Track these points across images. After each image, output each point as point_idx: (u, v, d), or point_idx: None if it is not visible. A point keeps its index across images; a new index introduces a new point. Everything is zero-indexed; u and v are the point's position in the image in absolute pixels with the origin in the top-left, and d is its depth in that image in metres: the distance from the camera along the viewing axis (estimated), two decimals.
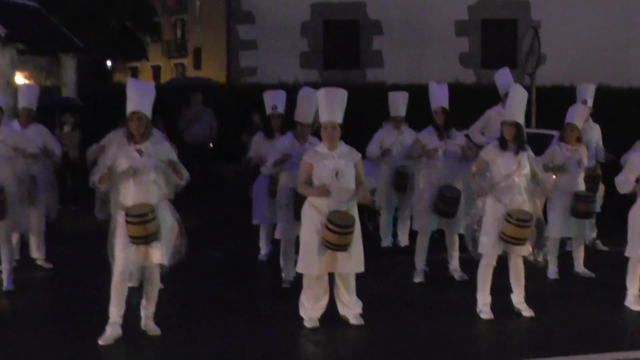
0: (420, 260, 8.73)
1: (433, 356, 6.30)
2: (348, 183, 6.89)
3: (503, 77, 10.14)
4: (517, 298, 7.48)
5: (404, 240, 10.26)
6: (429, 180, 8.55)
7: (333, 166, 6.85)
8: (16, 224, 8.23)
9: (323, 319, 7.04)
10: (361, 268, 7.07)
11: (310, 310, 7.01)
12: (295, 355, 6.33)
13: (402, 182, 9.71)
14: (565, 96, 12.08)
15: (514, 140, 7.25)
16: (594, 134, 10.34)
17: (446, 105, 8.64)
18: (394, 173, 9.89)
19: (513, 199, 7.21)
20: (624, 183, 7.55)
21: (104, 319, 6.58)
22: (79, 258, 9.82)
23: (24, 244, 9.31)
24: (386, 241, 10.39)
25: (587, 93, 10.26)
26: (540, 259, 7.47)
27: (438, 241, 9.07)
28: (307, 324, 6.97)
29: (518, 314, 7.40)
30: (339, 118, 6.93)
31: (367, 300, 7.58)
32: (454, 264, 8.80)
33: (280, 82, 19.52)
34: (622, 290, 7.77)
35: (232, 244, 10.94)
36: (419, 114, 9.32)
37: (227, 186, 14.24)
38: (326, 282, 7.07)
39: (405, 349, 6.49)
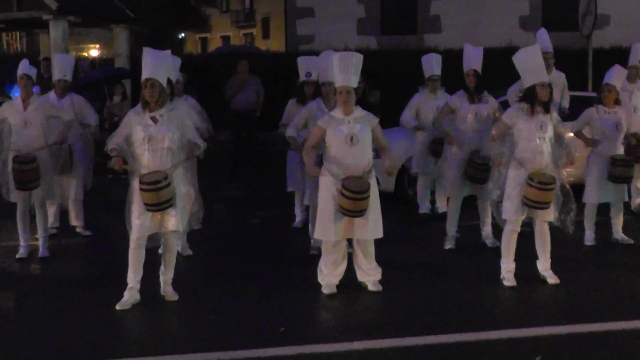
0: (451, 227, 8.59)
1: (446, 322, 6.19)
2: (363, 148, 6.80)
3: (539, 37, 9.92)
4: (543, 265, 7.29)
5: (442, 206, 10.09)
6: (459, 146, 8.38)
7: (348, 131, 6.77)
8: (49, 192, 8.41)
9: (343, 285, 7.01)
10: (379, 234, 6.99)
11: (329, 276, 6.98)
12: (304, 322, 6.29)
13: (439, 147, 9.52)
14: (624, 58, 11.66)
15: (540, 102, 7.02)
16: None
17: (478, 68, 8.42)
18: (430, 138, 9.72)
19: (535, 162, 7.00)
20: None
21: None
22: (120, 225, 9.96)
23: (64, 212, 9.53)
24: (423, 208, 10.26)
25: None
26: (568, 224, 7.25)
27: (473, 207, 8.92)
28: (325, 290, 6.95)
29: (544, 281, 7.23)
30: (354, 82, 6.83)
31: (392, 267, 7.58)
32: (487, 230, 8.63)
33: (337, 50, 19.34)
34: None
35: (272, 211, 10.96)
36: None
37: (274, 153, 14.25)
38: (344, 248, 7.02)
39: (419, 315, 6.40)
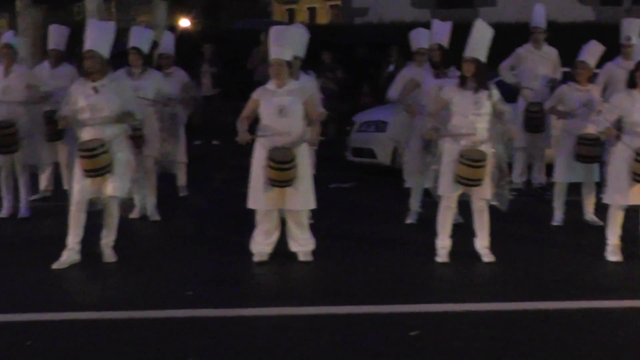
0: (414, 202, 8.60)
1: (355, 294, 6.27)
2: (293, 121, 6.91)
3: (535, 11, 9.79)
4: (480, 243, 7.24)
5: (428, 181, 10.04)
6: (422, 120, 8.32)
7: (278, 103, 6.90)
8: (31, 156, 8.84)
9: (277, 254, 7.17)
10: (311, 205, 7.12)
11: (261, 244, 7.15)
12: (217, 288, 6.43)
13: None
14: None
15: (474, 78, 6.96)
16: None
17: (444, 42, 8.37)
18: None
19: (469, 139, 6.95)
20: (599, 122, 7.11)
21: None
22: None
23: (58, 176, 9.99)
24: (409, 182, 10.21)
25: (632, 29, 9.60)
26: (504, 202, 7.17)
27: None
28: (255, 258, 7.13)
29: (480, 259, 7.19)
30: (286, 55, 6.94)
31: (343, 238, 7.83)
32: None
33: (392, 22, 19.33)
34: (625, 240, 7.33)
35: None
36: None
37: None
38: (277, 218, 7.17)
39: (333, 286, 6.51)
